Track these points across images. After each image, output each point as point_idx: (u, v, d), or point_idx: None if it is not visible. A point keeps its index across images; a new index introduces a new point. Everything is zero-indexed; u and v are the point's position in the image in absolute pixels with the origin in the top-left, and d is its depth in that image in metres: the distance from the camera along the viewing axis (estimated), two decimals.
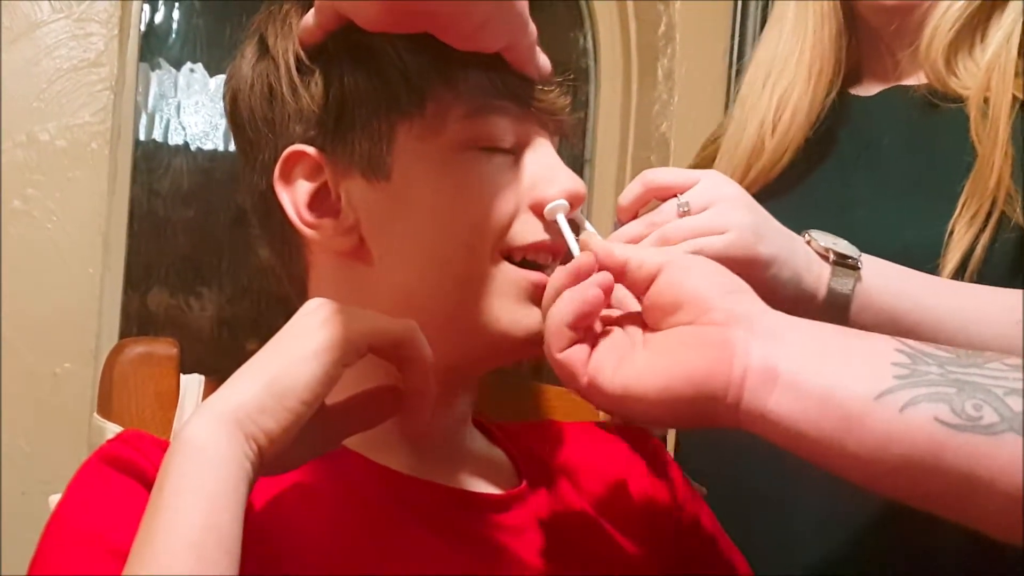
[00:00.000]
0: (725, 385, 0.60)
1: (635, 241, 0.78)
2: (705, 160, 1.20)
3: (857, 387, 0.57)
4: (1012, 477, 0.53)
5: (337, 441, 0.72)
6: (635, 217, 0.81)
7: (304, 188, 0.78)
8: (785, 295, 0.78)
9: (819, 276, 0.80)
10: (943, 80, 1.01)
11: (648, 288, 0.67)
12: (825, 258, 0.81)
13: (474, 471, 0.83)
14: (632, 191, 0.82)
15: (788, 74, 1.09)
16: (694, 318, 0.64)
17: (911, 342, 0.60)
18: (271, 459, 0.62)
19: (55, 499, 0.71)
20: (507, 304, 0.76)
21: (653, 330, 0.67)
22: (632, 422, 0.97)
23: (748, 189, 0.83)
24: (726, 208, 0.78)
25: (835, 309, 0.80)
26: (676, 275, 0.67)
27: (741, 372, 0.60)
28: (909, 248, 0.86)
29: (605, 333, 0.68)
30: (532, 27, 0.76)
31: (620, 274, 0.68)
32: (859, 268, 0.81)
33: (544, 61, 0.78)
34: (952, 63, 1.01)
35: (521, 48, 0.75)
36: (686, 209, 0.78)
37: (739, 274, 0.75)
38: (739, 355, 0.61)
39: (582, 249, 0.74)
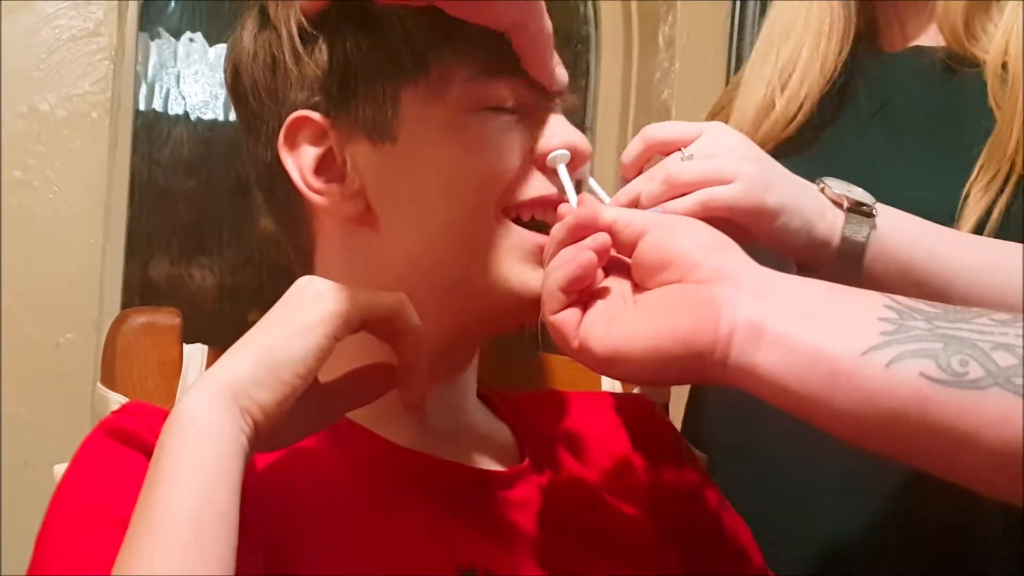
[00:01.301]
0: (712, 342, 0.60)
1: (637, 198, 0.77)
2: None
3: (844, 344, 0.57)
4: (998, 432, 0.53)
5: (332, 418, 0.72)
6: (639, 174, 0.81)
7: (309, 153, 0.77)
8: (796, 244, 0.77)
9: (833, 224, 0.79)
10: (962, 43, 1.00)
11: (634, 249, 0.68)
12: (839, 205, 0.80)
13: (478, 446, 0.83)
14: (634, 148, 0.81)
15: (796, 36, 1.07)
16: (681, 276, 0.64)
17: (899, 298, 0.59)
18: (267, 433, 0.63)
19: (60, 469, 0.72)
20: (515, 264, 0.77)
21: (642, 289, 0.67)
22: (625, 382, 0.97)
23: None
24: (731, 158, 0.77)
25: (849, 257, 0.79)
26: (662, 235, 0.67)
27: (728, 329, 0.60)
28: (926, 211, 0.85)
29: (600, 293, 0.68)
30: (548, 25, 0.75)
31: (609, 235, 0.69)
32: (874, 215, 0.80)
33: (562, 73, 0.78)
34: (971, 24, 1.00)
35: (530, 33, 0.74)
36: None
37: (747, 224, 0.74)
38: (726, 312, 0.61)
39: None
